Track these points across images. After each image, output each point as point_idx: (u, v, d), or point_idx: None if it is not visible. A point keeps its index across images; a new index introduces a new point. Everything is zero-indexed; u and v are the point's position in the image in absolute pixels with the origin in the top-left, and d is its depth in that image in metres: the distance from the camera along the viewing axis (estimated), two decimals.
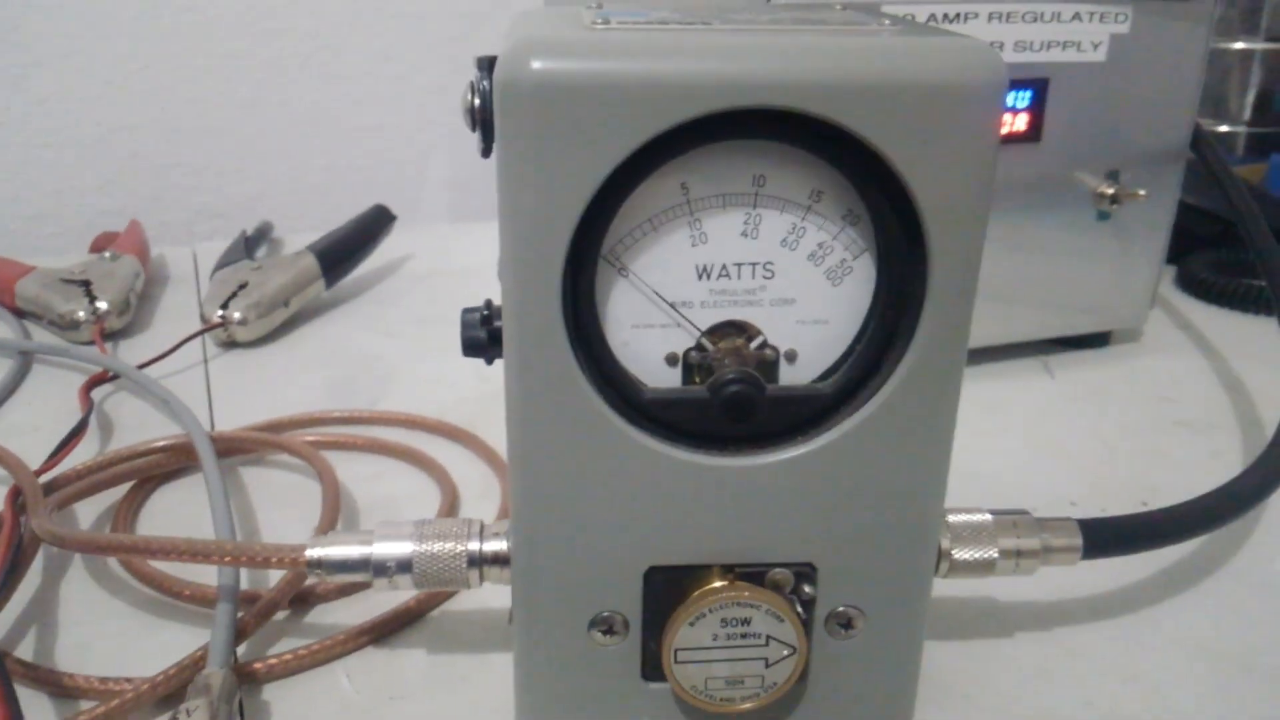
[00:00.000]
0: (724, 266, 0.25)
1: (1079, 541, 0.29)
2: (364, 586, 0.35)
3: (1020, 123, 0.50)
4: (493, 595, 0.34)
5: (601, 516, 0.25)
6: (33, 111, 0.77)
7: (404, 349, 0.58)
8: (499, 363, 0.26)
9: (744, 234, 0.24)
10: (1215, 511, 0.32)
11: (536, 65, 0.22)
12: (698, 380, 0.25)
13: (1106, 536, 0.30)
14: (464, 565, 0.27)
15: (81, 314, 0.58)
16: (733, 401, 0.24)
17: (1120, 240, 0.54)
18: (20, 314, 0.62)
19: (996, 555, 0.28)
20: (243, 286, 0.60)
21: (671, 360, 0.25)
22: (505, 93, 0.22)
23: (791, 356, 0.25)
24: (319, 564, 0.28)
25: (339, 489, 0.40)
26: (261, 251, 0.73)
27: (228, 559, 0.29)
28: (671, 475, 0.25)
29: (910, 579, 0.26)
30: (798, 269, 0.25)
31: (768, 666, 0.26)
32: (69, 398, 0.49)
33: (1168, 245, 0.55)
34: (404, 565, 0.27)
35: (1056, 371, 0.55)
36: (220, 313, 0.58)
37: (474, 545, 0.27)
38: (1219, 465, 0.45)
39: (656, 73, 0.22)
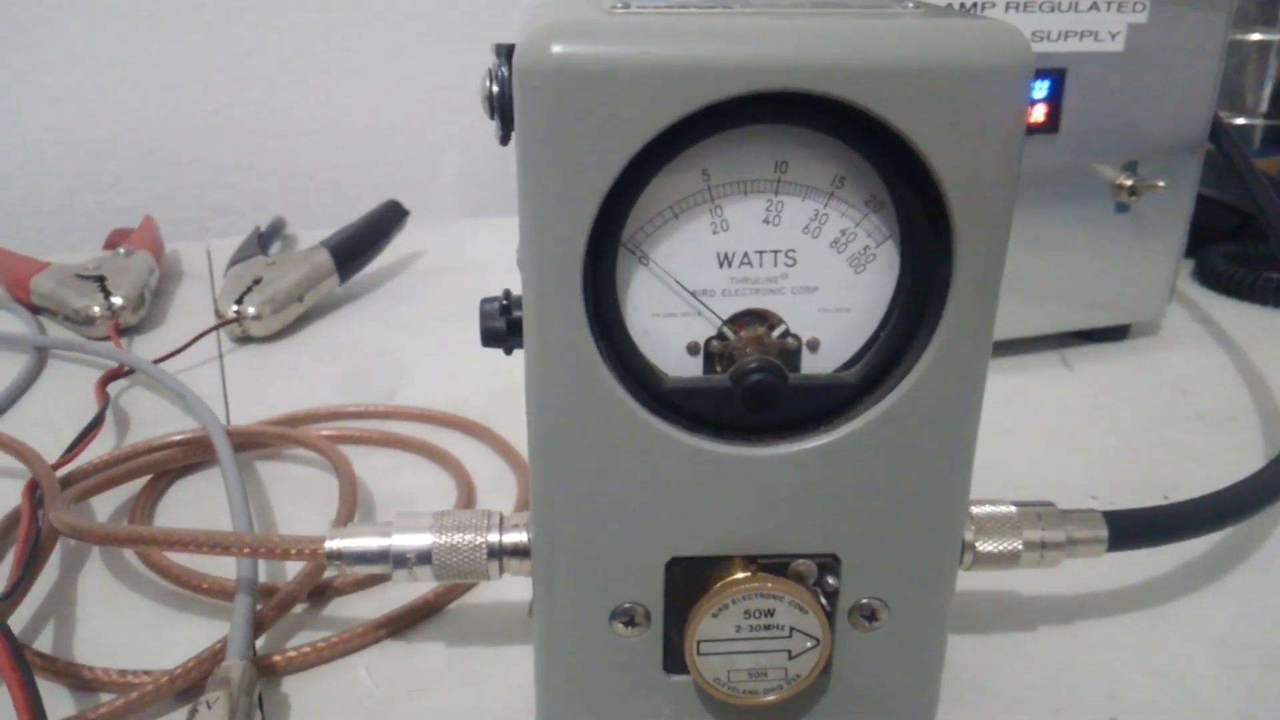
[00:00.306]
0: (745, 254, 0.24)
1: (1104, 533, 0.29)
2: (382, 579, 0.35)
3: (1038, 113, 0.49)
4: (512, 588, 0.34)
5: (623, 507, 0.25)
6: (45, 110, 0.77)
7: (418, 344, 0.58)
8: (514, 357, 0.26)
9: (766, 221, 0.24)
10: (1240, 504, 0.32)
11: (557, 49, 0.21)
12: (719, 369, 0.25)
13: (1132, 528, 0.30)
14: (484, 557, 0.27)
15: (96, 309, 0.58)
16: (755, 390, 0.24)
17: (1139, 232, 0.53)
18: (35, 310, 0.62)
19: (1021, 547, 0.28)
20: (257, 282, 0.60)
21: (693, 349, 0.25)
22: (525, 78, 0.22)
23: (814, 345, 0.25)
24: (338, 555, 0.28)
25: (356, 483, 0.40)
26: (275, 247, 0.73)
27: (246, 550, 0.29)
28: (693, 465, 0.24)
29: (934, 571, 0.26)
30: (820, 257, 0.24)
31: (791, 658, 0.25)
32: (85, 393, 0.49)
33: (1187, 237, 0.55)
34: (423, 557, 0.27)
35: (1075, 365, 0.54)
36: (235, 308, 0.58)
37: (494, 537, 0.27)
38: (1240, 459, 0.45)
39: (678, 57, 0.22)
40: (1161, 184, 0.51)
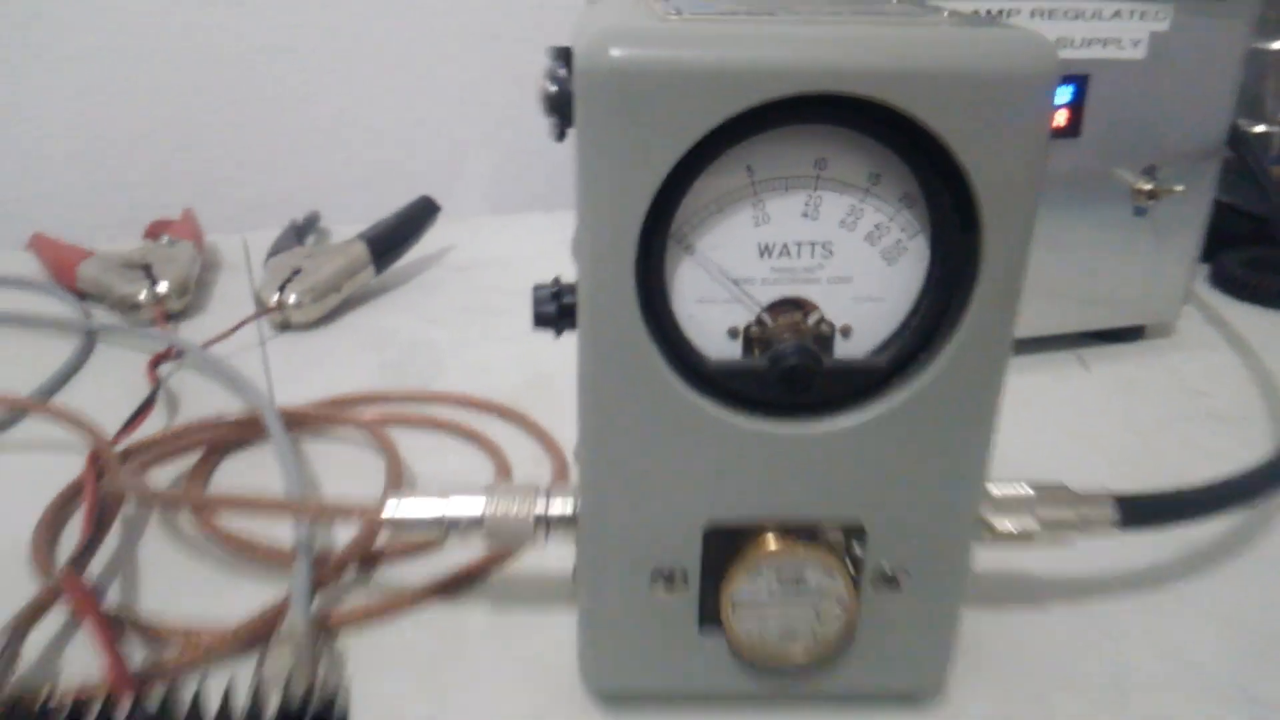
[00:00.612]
0: (785, 245, 0.26)
1: (1115, 514, 0.31)
2: (430, 547, 0.37)
3: (1061, 118, 0.51)
4: (554, 557, 0.36)
5: (666, 477, 0.27)
6: (79, 106, 0.79)
7: (450, 336, 0.60)
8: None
9: (805, 215, 0.26)
10: (1249, 488, 0.33)
11: (615, 53, 0.23)
12: (758, 352, 0.27)
13: (1142, 510, 0.31)
14: (532, 524, 0.29)
15: (143, 296, 0.60)
16: (790, 374, 0.26)
17: (1156, 235, 0.55)
18: (82, 296, 0.64)
19: (1035, 525, 0.30)
20: (297, 272, 0.62)
21: (733, 333, 0.27)
22: (586, 80, 0.24)
23: (847, 331, 0.27)
24: (396, 520, 0.30)
25: (400, 462, 0.42)
26: (309, 241, 0.75)
27: (309, 512, 0.31)
28: (731, 440, 0.26)
29: (953, 542, 0.28)
30: (855, 248, 0.26)
31: (819, 621, 0.27)
32: (133, 376, 0.51)
33: (1203, 241, 0.56)
34: (475, 523, 0.29)
35: (1091, 364, 0.56)
36: (276, 296, 0.60)
37: (542, 505, 0.29)
38: (1252, 456, 0.46)
39: (726, 61, 0.23)
40: (1180, 189, 0.53)
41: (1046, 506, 0.30)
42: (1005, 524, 0.29)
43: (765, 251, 0.26)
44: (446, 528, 0.29)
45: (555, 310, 0.29)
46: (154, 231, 0.73)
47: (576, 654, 0.29)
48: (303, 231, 0.74)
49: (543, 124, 0.28)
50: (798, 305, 0.27)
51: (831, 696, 0.30)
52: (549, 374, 0.51)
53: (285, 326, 0.61)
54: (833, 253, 0.26)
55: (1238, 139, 0.54)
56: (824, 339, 0.27)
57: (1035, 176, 0.24)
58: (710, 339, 0.26)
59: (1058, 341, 0.57)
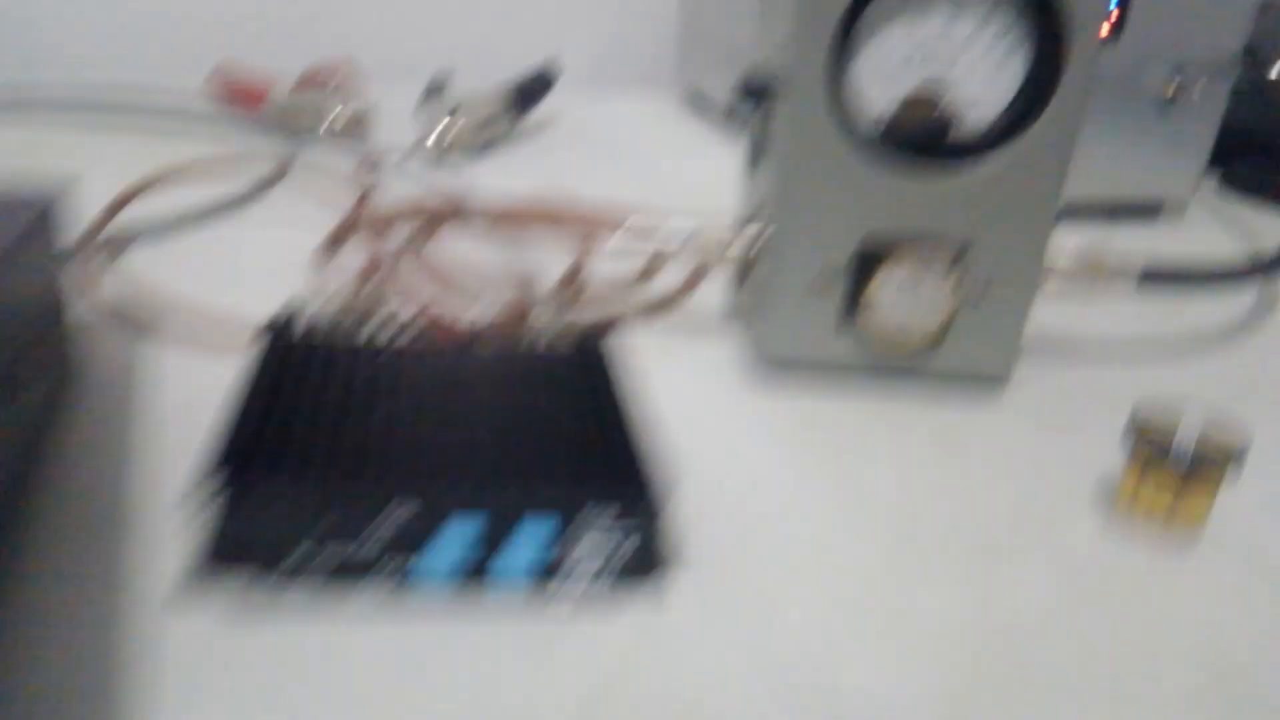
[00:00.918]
0: (925, 51, 0.38)
1: (1138, 268, 0.43)
2: (637, 285, 0.49)
3: (1105, 27, 0.62)
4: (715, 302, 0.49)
5: (830, 209, 0.39)
6: None
7: (578, 185, 0.69)
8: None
9: (942, 31, 0.37)
10: (1263, 262, 0.45)
11: None
12: (901, 127, 0.38)
13: (1160, 269, 0.44)
14: (727, 245, 0.41)
15: (329, 118, 0.72)
16: (923, 142, 0.38)
17: (1177, 125, 0.66)
18: (270, 123, 0.75)
19: (1076, 267, 0.42)
20: (452, 113, 0.73)
21: (885, 112, 0.38)
22: None
23: (966, 113, 0.39)
24: (618, 249, 0.42)
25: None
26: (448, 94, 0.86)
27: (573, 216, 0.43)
28: (879, 184, 0.38)
29: (1029, 263, 0.40)
30: (975, 55, 0.38)
31: (931, 314, 0.40)
32: (333, 187, 0.62)
33: (1216, 133, 0.68)
34: (687, 244, 0.42)
35: (1111, 237, 0.67)
36: (438, 132, 0.71)
37: (734, 235, 0.42)
38: (1250, 320, 0.58)
39: None
40: (1199, 91, 0.64)
41: (1089, 256, 0.42)
42: (1061, 270, 0.42)
43: (910, 57, 0.38)
44: (662, 248, 0.42)
45: (750, 92, 0.41)
46: (308, 78, 0.84)
47: (752, 338, 0.42)
48: (442, 86, 0.85)
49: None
50: (931, 94, 0.38)
51: (933, 373, 0.41)
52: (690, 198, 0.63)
53: (443, 159, 0.72)
54: (960, 57, 0.38)
55: (1250, 54, 0.66)
56: (948, 119, 0.39)
57: (1102, 7, 0.36)
58: (869, 114, 0.38)
59: (1088, 212, 0.69)
